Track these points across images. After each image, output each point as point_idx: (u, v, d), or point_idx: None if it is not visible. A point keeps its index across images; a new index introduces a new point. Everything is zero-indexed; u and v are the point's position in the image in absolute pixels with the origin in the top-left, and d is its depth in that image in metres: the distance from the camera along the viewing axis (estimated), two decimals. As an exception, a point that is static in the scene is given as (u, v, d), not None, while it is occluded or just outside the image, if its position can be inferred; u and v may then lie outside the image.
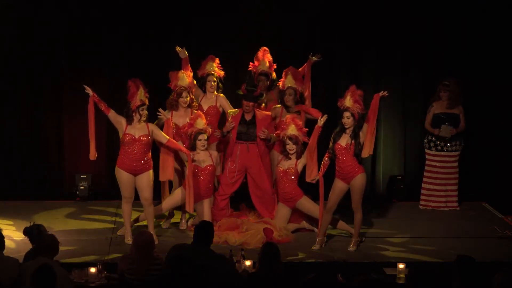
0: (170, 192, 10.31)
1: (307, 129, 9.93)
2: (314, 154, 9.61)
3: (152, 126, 9.66)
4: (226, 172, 10.20)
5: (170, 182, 10.35)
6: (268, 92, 10.56)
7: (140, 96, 9.52)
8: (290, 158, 10.00)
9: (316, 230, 9.88)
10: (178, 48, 10.30)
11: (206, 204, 9.96)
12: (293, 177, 9.97)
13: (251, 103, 10.07)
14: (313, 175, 9.57)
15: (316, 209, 9.79)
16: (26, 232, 7.80)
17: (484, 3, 11.78)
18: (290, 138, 9.93)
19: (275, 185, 10.22)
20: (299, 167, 9.99)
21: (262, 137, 10.07)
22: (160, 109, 9.82)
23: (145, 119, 9.57)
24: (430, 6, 11.77)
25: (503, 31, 11.82)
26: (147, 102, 9.57)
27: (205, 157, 9.93)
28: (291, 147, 9.95)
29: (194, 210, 9.99)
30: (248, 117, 10.14)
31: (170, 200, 10.04)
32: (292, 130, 9.93)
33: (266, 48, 10.56)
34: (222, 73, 10.44)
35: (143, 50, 11.67)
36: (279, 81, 10.42)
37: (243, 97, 10.09)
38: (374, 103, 9.39)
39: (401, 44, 11.92)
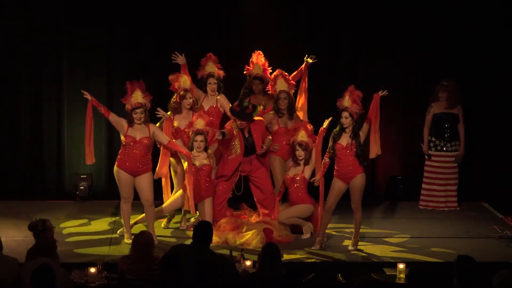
0: (171, 193, 10.33)
1: (316, 136, 9.92)
2: (319, 157, 9.63)
3: (153, 128, 9.64)
4: (231, 179, 10.18)
5: (172, 184, 10.35)
6: (265, 95, 10.55)
7: (135, 98, 9.48)
8: (299, 164, 10.02)
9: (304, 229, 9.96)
10: (175, 55, 10.26)
11: (208, 204, 9.95)
12: (298, 184, 9.98)
13: (244, 122, 10.03)
14: (317, 175, 9.59)
15: (294, 218, 9.94)
16: (30, 227, 7.75)
17: (484, 3, 11.79)
18: (300, 145, 9.97)
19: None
20: (306, 174, 10.00)
21: (260, 152, 10.08)
22: (158, 109, 9.80)
23: (139, 122, 9.52)
24: (430, 6, 11.77)
25: (503, 31, 11.82)
26: (145, 104, 9.48)
27: (204, 158, 9.91)
28: (300, 153, 9.98)
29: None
30: (246, 132, 10.11)
31: (171, 203, 10.04)
32: (302, 136, 9.98)
33: (260, 52, 10.55)
34: (222, 72, 10.43)
35: (143, 50, 11.69)
36: (268, 86, 10.40)
37: (236, 115, 9.98)
38: (375, 103, 9.39)
39: (400, 44, 11.93)
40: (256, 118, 10.14)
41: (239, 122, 9.96)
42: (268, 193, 10.21)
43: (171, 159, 10.06)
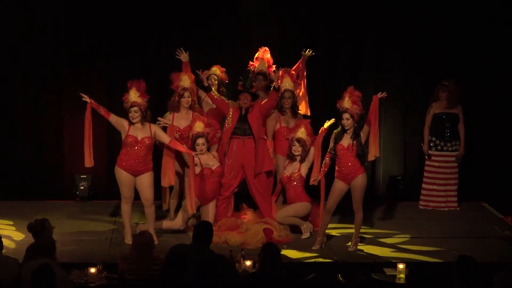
0: (170, 194, 10.32)
1: (315, 136, 9.92)
2: (318, 156, 9.63)
3: (154, 127, 9.64)
4: (224, 170, 10.16)
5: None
6: (266, 93, 10.55)
7: (131, 97, 9.49)
8: (295, 159, 10.03)
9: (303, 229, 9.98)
10: (179, 51, 10.25)
11: (212, 205, 9.96)
12: (295, 182, 9.99)
13: (248, 97, 10.04)
14: (315, 175, 9.58)
15: (290, 218, 9.96)
16: (29, 228, 7.76)
17: (484, 3, 11.79)
18: (298, 140, 9.98)
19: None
20: (303, 171, 10.01)
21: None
22: (159, 118, 9.80)
23: (134, 121, 9.50)
24: (430, 6, 11.77)
25: (503, 31, 11.82)
26: (140, 104, 9.46)
27: (211, 159, 9.91)
28: (296, 148, 9.99)
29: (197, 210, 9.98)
30: (244, 112, 10.12)
31: (172, 222, 10.03)
32: (301, 133, 10.01)
33: (266, 48, 10.57)
34: (225, 77, 10.44)
35: (144, 50, 11.69)
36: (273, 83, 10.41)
37: (240, 91, 10.08)
38: (374, 105, 9.37)
39: (401, 44, 11.93)
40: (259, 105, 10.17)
41: (242, 97, 9.99)
42: (265, 184, 10.22)
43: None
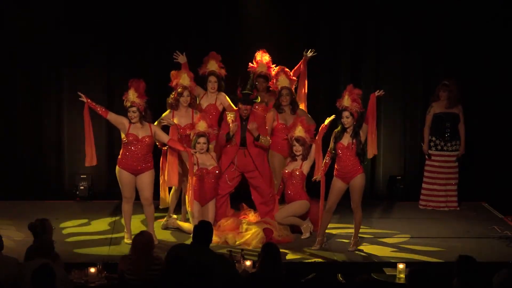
0: (169, 193, 10.32)
1: (314, 132, 9.92)
2: (319, 153, 9.63)
3: (154, 127, 9.65)
4: (224, 173, 10.15)
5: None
6: (268, 93, 10.55)
7: (129, 97, 9.49)
8: (296, 160, 10.03)
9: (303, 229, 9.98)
10: (176, 54, 10.25)
11: (211, 205, 9.96)
12: (295, 180, 9.98)
13: (248, 106, 10.04)
14: (318, 172, 9.59)
15: (290, 218, 9.96)
16: (30, 228, 7.75)
17: (484, 3, 11.79)
18: (297, 140, 9.97)
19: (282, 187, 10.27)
20: (304, 169, 10.00)
21: (249, 127, 9.97)
22: (164, 119, 9.81)
23: (133, 121, 9.51)
24: (430, 6, 11.78)
25: (503, 31, 11.83)
26: (138, 104, 9.46)
27: (209, 159, 9.91)
28: (297, 148, 9.97)
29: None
30: (244, 118, 10.11)
31: (184, 224, 10.07)
32: (299, 131, 9.97)
33: (264, 50, 10.55)
34: (223, 71, 10.40)
35: (143, 50, 11.69)
36: (270, 83, 10.39)
37: (239, 101, 10.05)
38: (371, 103, 9.38)
39: (401, 44, 11.93)
40: (258, 112, 10.15)
41: (243, 108, 9.97)
42: (267, 196, 10.19)
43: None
